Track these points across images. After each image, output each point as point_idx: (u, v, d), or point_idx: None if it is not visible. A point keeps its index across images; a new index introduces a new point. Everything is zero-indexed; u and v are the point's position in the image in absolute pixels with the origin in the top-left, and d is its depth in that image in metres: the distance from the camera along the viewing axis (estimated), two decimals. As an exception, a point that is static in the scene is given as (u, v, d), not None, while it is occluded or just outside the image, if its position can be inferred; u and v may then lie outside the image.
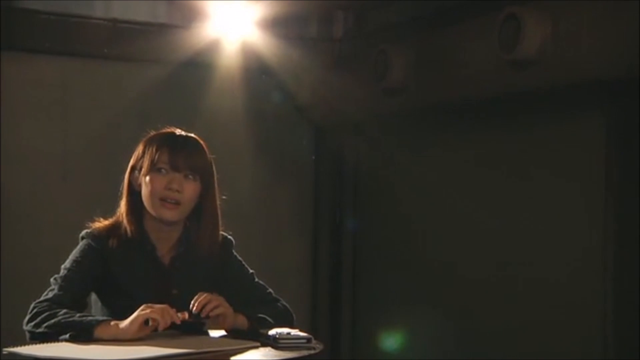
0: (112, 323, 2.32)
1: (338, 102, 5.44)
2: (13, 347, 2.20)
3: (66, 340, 2.28)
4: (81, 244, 2.57)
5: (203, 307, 2.41)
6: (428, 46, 4.75)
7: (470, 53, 4.38)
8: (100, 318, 2.37)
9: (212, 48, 5.35)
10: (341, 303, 5.86)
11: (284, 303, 2.71)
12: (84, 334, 2.29)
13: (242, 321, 2.51)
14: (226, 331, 2.51)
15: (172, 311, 2.32)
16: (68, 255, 2.58)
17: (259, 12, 5.20)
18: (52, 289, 2.47)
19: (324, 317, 5.91)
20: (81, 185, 5.25)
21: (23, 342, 2.33)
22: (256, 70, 5.55)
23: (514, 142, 4.54)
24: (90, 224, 2.60)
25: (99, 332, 2.30)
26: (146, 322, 2.30)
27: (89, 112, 5.29)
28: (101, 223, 2.60)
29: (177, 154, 2.52)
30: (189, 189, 2.53)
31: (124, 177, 2.63)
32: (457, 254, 4.88)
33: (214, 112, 5.44)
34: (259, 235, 5.62)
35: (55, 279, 2.50)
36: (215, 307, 2.42)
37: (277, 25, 5.41)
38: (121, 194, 2.63)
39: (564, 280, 4.19)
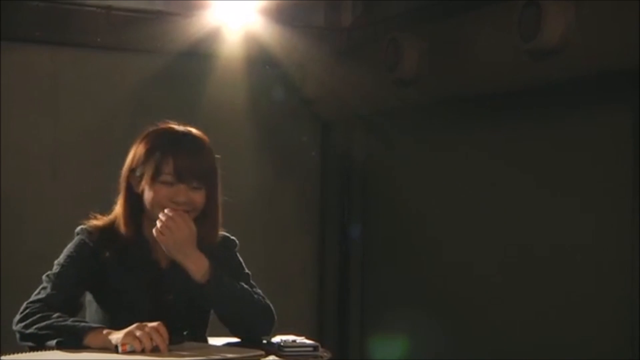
0: (105, 332, 2.31)
1: (346, 95, 5.43)
2: (7, 354, 2.20)
3: (52, 348, 2.27)
4: (76, 239, 2.58)
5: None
6: (442, 34, 4.72)
7: (487, 42, 4.35)
8: (94, 325, 2.36)
9: (212, 37, 5.33)
10: (349, 304, 5.86)
11: (268, 305, 2.64)
12: (73, 340, 2.28)
13: None
14: None
15: (164, 332, 2.28)
16: (56, 257, 2.57)
17: (262, -2, 5.20)
18: (45, 287, 2.47)
19: (331, 319, 5.91)
20: (72, 183, 5.24)
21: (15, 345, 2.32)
22: (259, 60, 5.54)
23: (534, 137, 4.52)
24: (86, 220, 2.60)
25: (89, 339, 2.29)
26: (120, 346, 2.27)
27: (82, 105, 5.28)
28: (97, 220, 2.60)
29: (182, 163, 2.50)
30: (196, 200, 2.54)
31: (120, 175, 2.62)
32: (472, 254, 4.88)
33: (214, 105, 5.43)
34: (262, 235, 5.61)
35: (48, 276, 2.50)
36: None
37: (281, 12, 5.40)
38: (118, 193, 2.61)
39: (588, 281, 4.18)
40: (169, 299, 2.54)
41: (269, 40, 5.37)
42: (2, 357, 2.18)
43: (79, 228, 2.58)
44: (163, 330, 2.27)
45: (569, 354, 4.18)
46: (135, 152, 2.58)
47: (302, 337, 2.45)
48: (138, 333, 2.24)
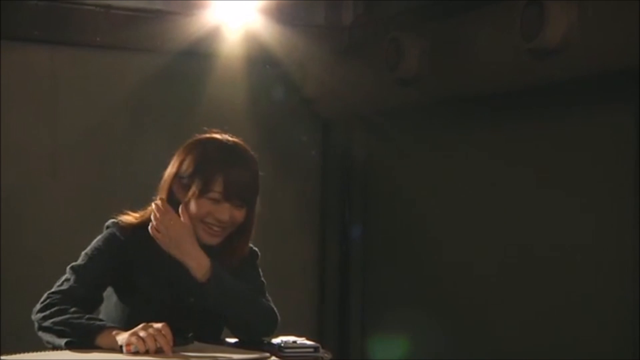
0: (114, 332, 2.32)
1: (347, 94, 5.42)
2: (8, 355, 2.21)
3: (61, 348, 2.30)
4: (105, 232, 2.60)
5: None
6: (444, 33, 4.72)
7: (489, 41, 4.35)
8: (107, 325, 2.38)
9: (212, 36, 5.33)
10: (349, 305, 5.86)
11: (272, 308, 2.67)
12: (85, 339, 2.31)
13: None
14: None
15: (168, 333, 2.29)
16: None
17: (262, -3, 5.20)
18: (68, 279, 2.49)
19: (331, 319, 5.91)
20: (72, 183, 5.24)
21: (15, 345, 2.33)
22: (259, 60, 5.53)
23: (535, 137, 4.52)
24: (117, 215, 2.62)
25: (100, 339, 2.32)
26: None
27: (81, 104, 5.28)
28: (130, 216, 2.62)
29: (232, 184, 2.55)
30: (237, 217, 2.59)
31: (163, 177, 2.64)
32: (472, 253, 4.88)
33: (214, 104, 5.42)
34: (262, 235, 5.58)
35: (72, 267, 2.52)
36: None
37: (281, 11, 5.39)
38: (158, 194, 2.64)
39: (589, 281, 4.18)
40: (190, 301, 2.55)
41: (269, 40, 5.37)
42: (2, 357, 2.19)
43: (109, 221, 2.61)
44: (167, 331, 2.28)
45: (569, 354, 4.19)
46: (183, 160, 2.60)
47: (303, 338, 2.45)
48: (142, 334, 2.25)
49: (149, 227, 2.53)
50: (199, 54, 5.36)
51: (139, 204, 2.70)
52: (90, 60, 5.31)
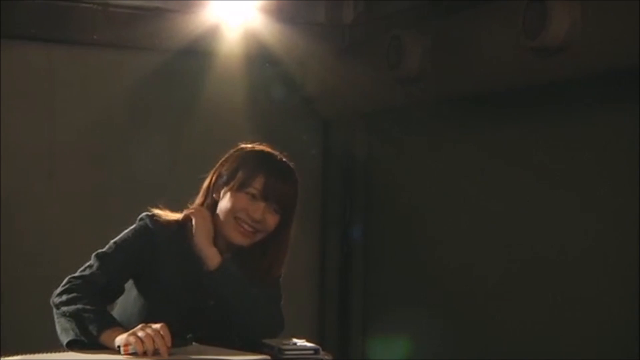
0: (118, 332, 2.33)
1: (347, 93, 5.43)
2: (8, 356, 2.22)
3: (63, 349, 2.32)
4: (137, 224, 2.61)
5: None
6: (445, 32, 4.72)
7: (491, 39, 4.35)
8: (114, 323, 2.39)
9: (211, 34, 5.33)
10: (350, 306, 5.86)
11: (279, 312, 2.70)
12: (90, 335, 2.32)
13: None
14: None
15: (166, 334, 2.29)
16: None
17: (262, -5, 5.20)
18: (91, 266, 2.51)
19: (331, 320, 5.91)
20: (69, 183, 5.24)
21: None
22: (259, 58, 5.53)
23: (539, 137, 4.53)
24: (152, 209, 2.64)
25: (105, 337, 2.33)
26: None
27: (79, 102, 5.28)
28: (164, 212, 2.64)
29: (272, 183, 2.61)
30: (269, 221, 2.63)
31: (204, 180, 2.68)
32: (474, 254, 4.88)
33: (213, 103, 5.43)
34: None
35: (97, 255, 2.53)
36: None
37: (282, 9, 5.39)
38: (199, 196, 2.68)
39: (590, 281, 4.18)
40: (210, 304, 2.57)
41: (269, 38, 5.37)
42: (2, 359, 2.20)
43: (143, 214, 2.63)
44: (165, 332, 2.28)
45: (570, 354, 4.19)
46: (225, 162, 2.67)
47: (303, 340, 2.45)
48: (140, 334, 2.25)
49: (191, 210, 2.59)
50: (198, 53, 5.36)
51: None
52: (89, 59, 5.32)
